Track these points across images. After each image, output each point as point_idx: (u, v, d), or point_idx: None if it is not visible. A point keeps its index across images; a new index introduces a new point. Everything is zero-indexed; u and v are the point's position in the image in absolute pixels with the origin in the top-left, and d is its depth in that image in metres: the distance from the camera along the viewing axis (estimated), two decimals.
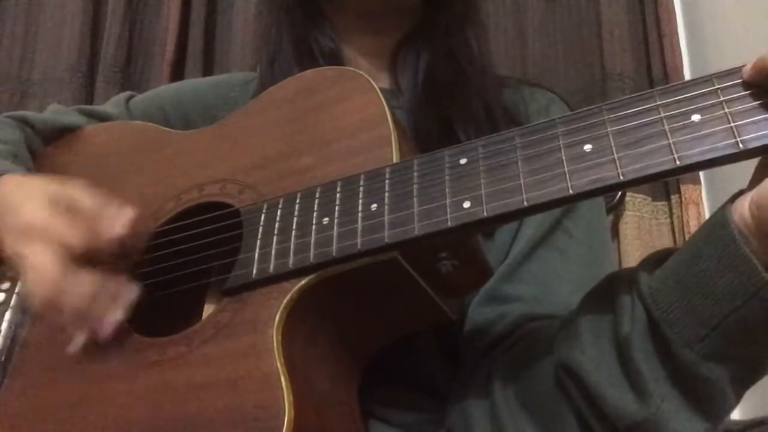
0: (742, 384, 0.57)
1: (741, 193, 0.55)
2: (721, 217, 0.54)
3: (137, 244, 0.77)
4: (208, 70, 1.88)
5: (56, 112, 1.03)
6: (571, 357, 0.63)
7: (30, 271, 0.70)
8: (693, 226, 1.60)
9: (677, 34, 1.75)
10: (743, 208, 0.53)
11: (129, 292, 0.73)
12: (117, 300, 0.72)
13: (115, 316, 0.71)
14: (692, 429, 0.57)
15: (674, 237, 1.66)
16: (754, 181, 0.54)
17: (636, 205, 1.64)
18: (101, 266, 0.72)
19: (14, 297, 0.84)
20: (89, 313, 0.71)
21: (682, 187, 1.64)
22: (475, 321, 0.83)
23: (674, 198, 1.66)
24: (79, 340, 0.72)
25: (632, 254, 1.60)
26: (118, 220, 0.74)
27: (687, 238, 1.58)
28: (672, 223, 1.66)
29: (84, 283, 0.70)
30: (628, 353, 0.59)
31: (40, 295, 0.69)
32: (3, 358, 0.80)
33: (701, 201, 1.64)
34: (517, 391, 0.70)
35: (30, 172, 0.91)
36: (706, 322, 0.54)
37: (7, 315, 0.83)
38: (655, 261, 0.61)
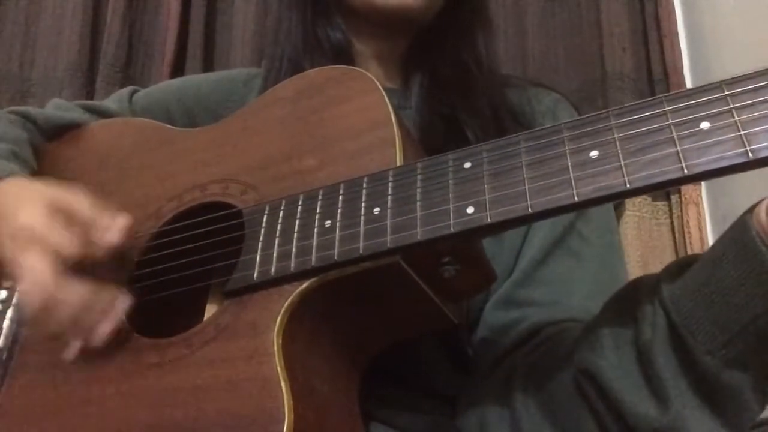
0: (763, 390, 0.57)
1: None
2: (742, 224, 0.54)
3: (130, 253, 0.77)
4: (208, 70, 1.86)
5: (58, 108, 1.03)
6: (591, 362, 0.63)
7: (24, 277, 0.70)
8: (693, 226, 1.60)
9: (677, 34, 1.75)
10: (760, 213, 0.53)
11: (121, 302, 0.73)
12: (109, 310, 0.72)
13: (106, 326, 0.71)
14: None
15: (674, 237, 1.66)
16: None
17: (636, 205, 1.64)
18: (95, 275, 0.72)
19: (16, 295, 0.84)
20: (81, 322, 0.71)
21: (682, 188, 1.64)
22: (492, 325, 0.83)
23: (674, 198, 1.66)
24: (74, 347, 0.72)
25: (632, 254, 1.60)
26: (112, 229, 0.74)
27: (687, 238, 1.59)
28: (672, 223, 1.66)
29: (77, 292, 0.70)
30: (649, 359, 0.59)
31: (34, 302, 0.69)
32: (4, 357, 0.80)
33: (701, 201, 1.64)
34: (538, 398, 0.70)
35: (33, 171, 0.91)
36: (727, 329, 0.54)
37: (9, 313, 0.83)
38: (678, 268, 0.60)
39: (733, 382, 0.55)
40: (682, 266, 0.60)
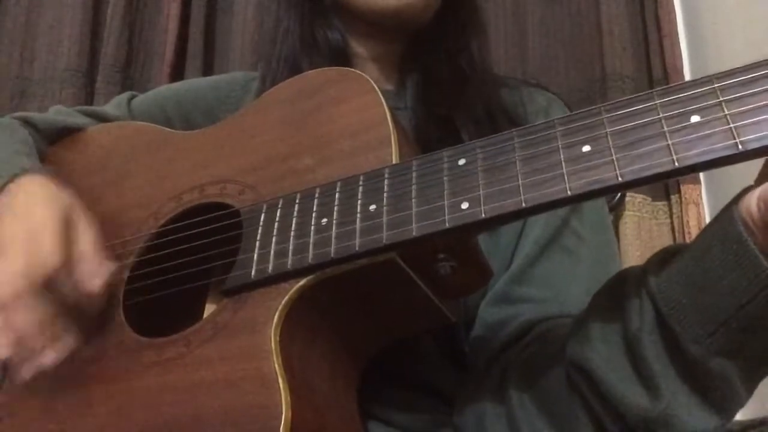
0: (752, 378, 0.57)
1: (750, 188, 0.54)
2: (728, 214, 0.54)
3: (98, 301, 0.76)
4: (208, 70, 1.87)
5: (59, 113, 1.04)
6: (581, 355, 0.64)
7: (3, 263, 0.71)
8: (693, 226, 1.60)
9: (677, 34, 1.74)
10: (750, 203, 0.53)
11: (67, 341, 0.73)
12: (55, 342, 0.72)
13: (47, 357, 0.72)
14: (704, 423, 0.58)
15: (674, 237, 1.65)
16: (762, 176, 0.54)
17: (636, 205, 1.64)
18: (61, 303, 0.73)
19: None
20: (28, 340, 0.71)
21: (682, 187, 1.63)
22: (486, 322, 0.84)
23: (674, 198, 1.65)
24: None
25: (632, 254, 1.60)
26: (94, 278, 0.74)
27: (687, 238, 1.58)
28: (672, 223, 1.66)
29: (37, 309, 0.70)
30: (638, 350, 0.59)
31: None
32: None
33: (701, 201, 1.63)
34: (532, 394, 0.70)
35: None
36: (714, 319, 0.54)
37: None
38: (663, 258, 0.61)
39: (722, 370, 0.55)
40: (667, 256, 0.60)
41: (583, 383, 0.64)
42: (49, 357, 0.71)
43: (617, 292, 0.63)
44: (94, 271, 0.74)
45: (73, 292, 0.73)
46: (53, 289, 0.71)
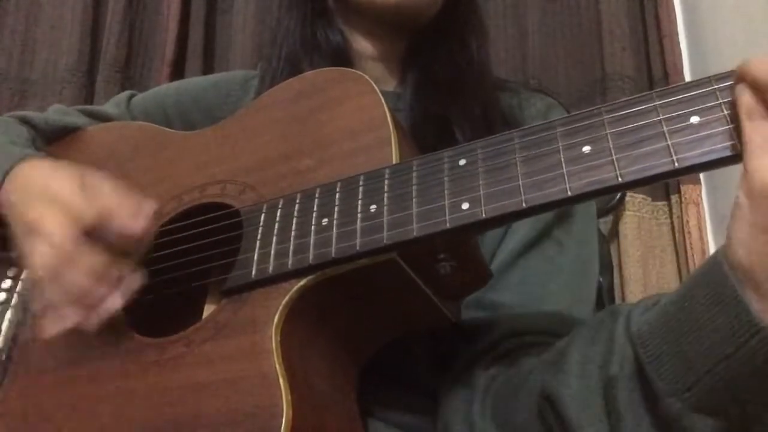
0: None
1: None
2: (714, 258, 0.52)
3: (148, 239, 0.76)
4: (208, 70, 1.87)
5: (58, 112, 1.04)
6: (555, 389, 0.62)
7: (41, 235, 0.71)
8: (693, 226, 1.60)
9: (677, 34, 1.75)
10: (738, 250, 0.50)
11: (132, 280, 0.73)
12: (119, 286, 0.72)
13: (113, 301, 0.71)
14: None
15: (674, 237, 1.66)
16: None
17: (636, 205, 1.64)
18: (110, 251, 0.72)
19: (15, 296, 0.84)
20: (89, 293, 0.70)
21: (682, 187, 1.64)
22: (461, 326, 0.82)
23: (674, 198, 1.66)
24: (67, 321, 0.71)
25: (632, 254, 1.60)
26: (138, 216, 0.74)
27: (687, 238, 1.58)
28: (672, 223, 1.66)
29: (91, 259, 0.70)
30: (613, 395, 0.57)
31: (47, 261, 0.70)
32: (3, 358, 0.81)
33: (701, 201, 1.63)
34: (498, 418, 0.70)
35: None
36: (695, 369, 0.52)
37: (8, 314, 0.84)
38: (654, 302, 0.58)
39: (696, 428, 0.52)
40: (657, 299, 0.58)
41: (553, 418, 0.62)
42: (116, 301, 0.71)
43: (602, 330, 0.61)
44: (133, 213, 0.74)
45: (119, 239, 0.73)
46: (96, 240, 0.71)
